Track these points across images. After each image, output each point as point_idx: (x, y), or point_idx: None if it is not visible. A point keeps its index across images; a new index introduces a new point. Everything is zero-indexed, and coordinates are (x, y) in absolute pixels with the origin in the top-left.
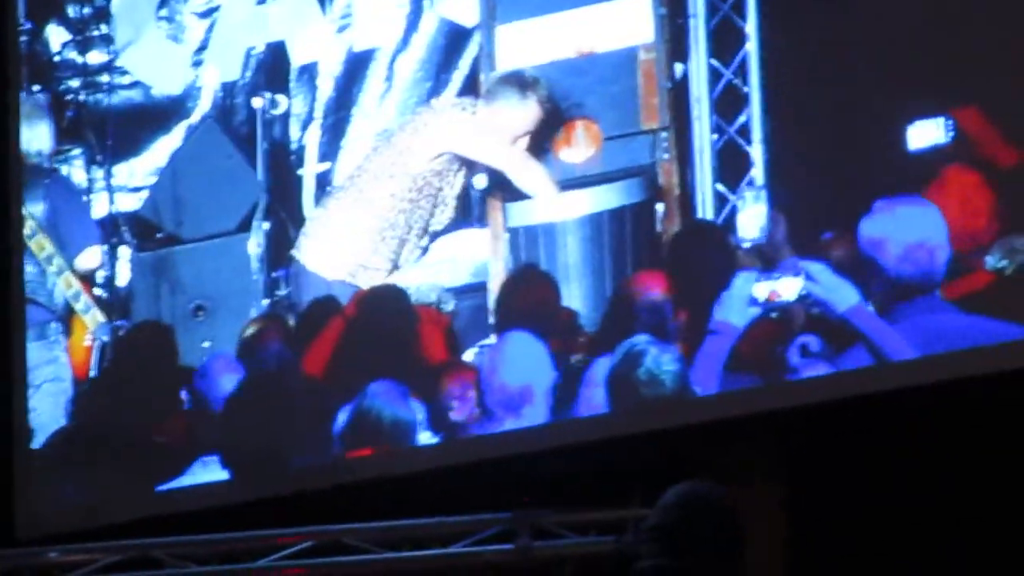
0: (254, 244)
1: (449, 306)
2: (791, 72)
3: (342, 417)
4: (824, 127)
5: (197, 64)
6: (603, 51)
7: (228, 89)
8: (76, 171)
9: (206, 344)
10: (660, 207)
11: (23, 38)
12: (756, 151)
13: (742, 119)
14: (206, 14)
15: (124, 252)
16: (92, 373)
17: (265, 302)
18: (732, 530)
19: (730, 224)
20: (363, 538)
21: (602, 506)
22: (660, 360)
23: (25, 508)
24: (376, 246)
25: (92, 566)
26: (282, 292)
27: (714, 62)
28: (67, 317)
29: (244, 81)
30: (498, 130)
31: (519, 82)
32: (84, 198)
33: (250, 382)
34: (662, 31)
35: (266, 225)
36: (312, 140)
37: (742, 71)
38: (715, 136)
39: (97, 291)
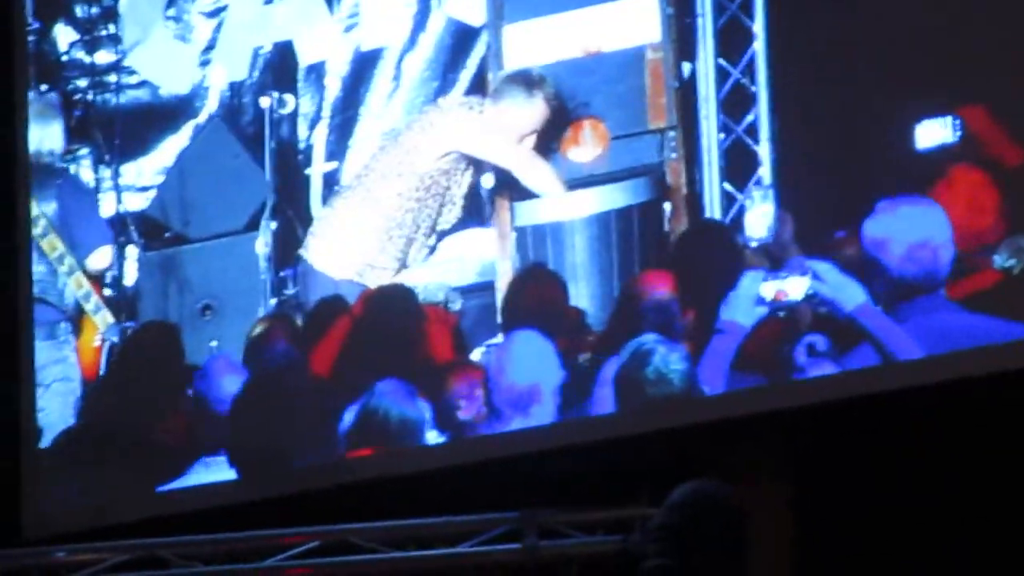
0: (261, 243)
1: (456, 305)
2: (799, 71)
3: (349, 416)
4: (831, 126)
5: (204, 64)
6: (610, 50)
7: (235, 88)
8: (84, 171)
9: (213, 343)
10: (667, 206)
11: (31, 38)
12: (764, 150)
13: (750, 118)
14: (213, 14)
15: (131, 251)
16: (101, 373)
17: (273, 301)
18: (739, 530)
19: (737, 223)
20: (369, 538)
21: (609, 505)
22: (668, 359)
23: (32, 508)
24: (383, 245)
25: (99, 566)
26: (290, 291)
27: (722, 61)
28: (77, 317)
29: (251, 80)
30: (505, 129)
31: (526, 81)
32: (95, 198)
33: (257, 381)
34: (669, 30)
35: (273, 224)
36: (320, 139)
37: (750, 70)
38: (723, 135)
39: (107, 291)
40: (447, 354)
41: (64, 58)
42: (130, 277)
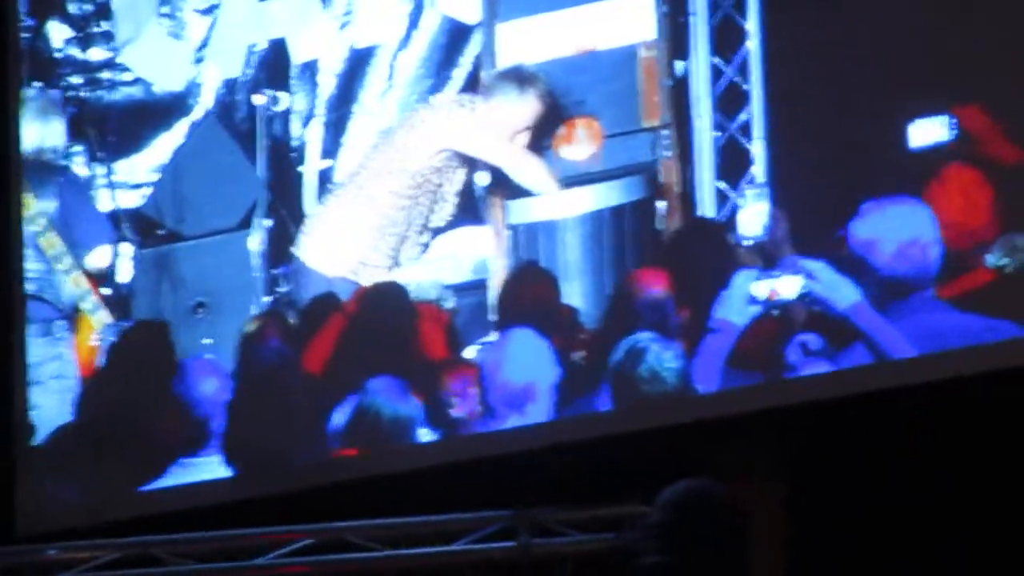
0: (255, 241)
1: (450, 303)
2: (792, 70)
3: (342, 414)
4: (825, 125)
5: (198, 61)
6: (604, 49)
7: (229, 86)
8: (78, 168)
9: (207, 341)
10: (661, 205)
11: (25, 35)
12: (757, 149)
13: (743, 117)
14: (207, 11)
15: (126, 249)
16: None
17: (266, 299)
18: (732, 528)
19: (731, 222)
20: (364, 535)
21: (603, 503)
22: (662, 357)
23: (25, 505)
24: (376, 243)
25: (92, 563)
26: (283, 289)
27: (715, 60)
28: (74, 316)
29: (245, 78)
30: (497, 126)
31: (518, 77)
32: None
33: (249, 379)
34: (663, 29)
35: (267, 222)
36: (313, 137)
37: (743, 69)
38: (716, 134)
39: (105, 290)
40: (440, 352)
41: (58, 55)
42: (124, 274)
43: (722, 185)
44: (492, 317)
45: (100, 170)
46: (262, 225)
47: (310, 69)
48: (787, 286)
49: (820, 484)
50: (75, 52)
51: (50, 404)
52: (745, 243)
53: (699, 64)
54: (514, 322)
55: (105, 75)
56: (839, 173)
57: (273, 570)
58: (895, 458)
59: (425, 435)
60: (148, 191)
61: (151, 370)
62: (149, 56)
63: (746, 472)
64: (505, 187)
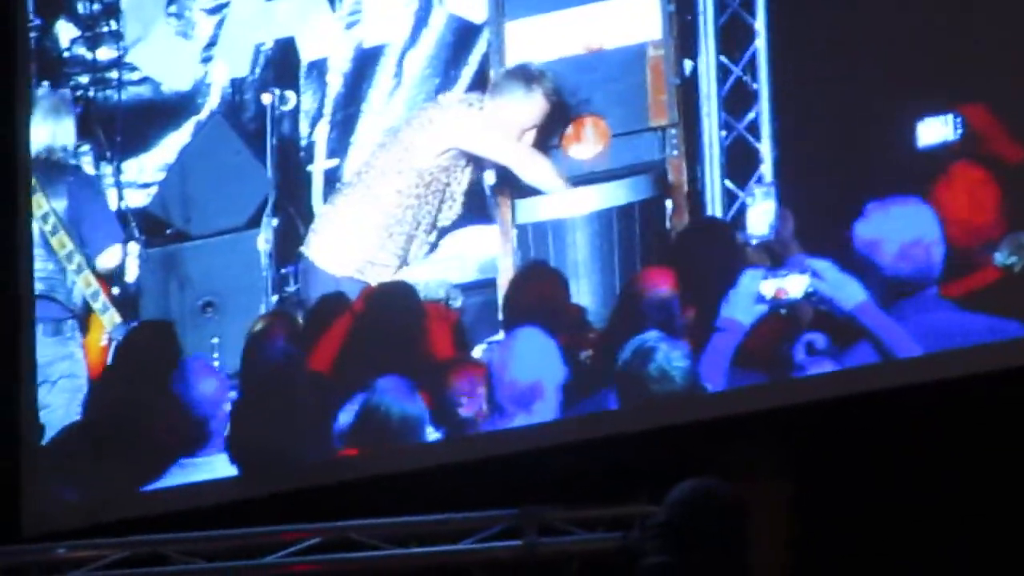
0: (263, 240)
1: (457, 302)
2: (800, 69)
3: (350, 413)
4: (833, 124)
5: (206, 60)
6: (612, 48)
7: (237, 85)
8: (86, 167)
9: (215, 340)
10: (669, 204)
11: (33, 34)
12: (765, 148)
13: (751, 116)
14: (215, 10)
15: (133, 248)
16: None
17: (274, 298)
18: (738, 527)
19: (739, 221)
20: (371, 534)
21: (609, 503)
22: (671, 356)
23: (32, 504)
24: (383, 242)
25: (100, 562)
26: (291, 288)
27: (723, 59)
28: (84, 316)
29: (253, 77)
30: (504, 124)
31: (525, 75)
32: (106, 196)
33: (256, 379)
34: (671, 28)
35: (275, 221)
36: (321, 136)
37: (751, 68)
38: (724, 133)
39: (115, 290)
40: (448, 351)
41: (66, 55)
42: (131, 274)
43: (730, 184)
44: (500, 316)
45: (107, 169)
46: (270, 224)
47: (318, 68)
48: (793, 285)
49: (826, 483)
50: (83, 51)
51: (60, 404)
52: (753, 242)
53: (707, 63)
54: (522, 321)
55: (113, 74)
56: (846, 172)
57: (280, 569)
58: (901, 457)
59: (433, 434)
60: (156, 190)
61: (155, 370)
62: (157, 55)
63: (751, 471)
64: (513, 186)
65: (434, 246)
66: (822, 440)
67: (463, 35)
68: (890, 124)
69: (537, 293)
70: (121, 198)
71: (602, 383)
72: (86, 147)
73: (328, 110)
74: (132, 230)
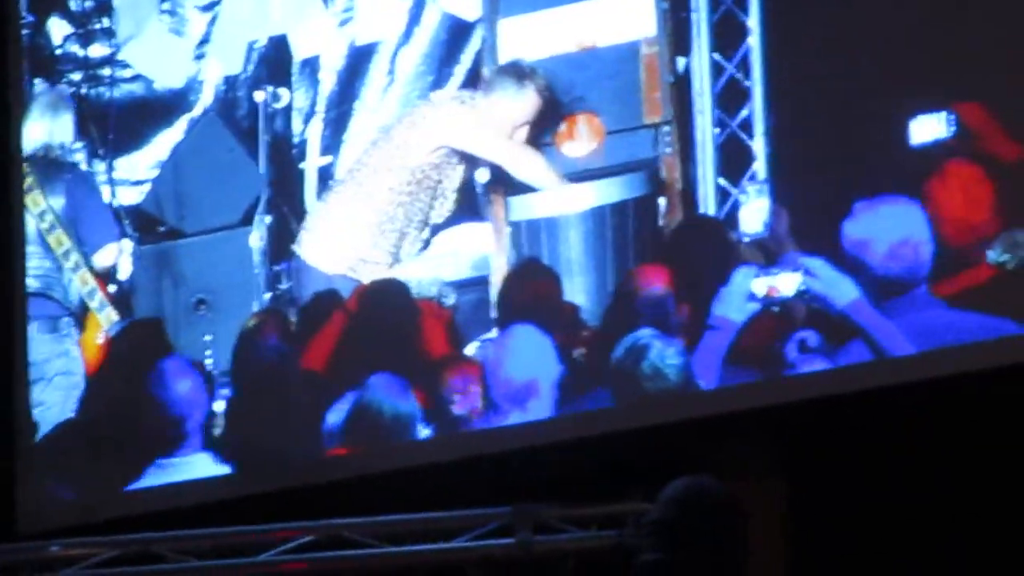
0: (256, 238)
1: (450, 300)
2: (793, 66)
3: (342, 411)
4: (826, 121)
5: (199, 58)
6: (605, 45)
7: (230, 83)
8: (83, 165)
9: (208, 338)
10: (662, 201)
11: (25, 31)
12: (758, 145)
13: (744, 113)
14: (208, 7)
15: (126, 246)
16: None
17: (267, 296)
18: (731, 525)
19: (732, 218)
20: (364, 532)
21: (604, 501)
22: (664, 354)
23: (26, 504)
24: (375, 240)
25: (92, 560)
26: (284, 286)
27: (716, 56)
28: (81, 314)
29: (246, 75)
30: (496, 122)
31: (516, 72)
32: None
33: (248, 377)
34: (664, 25)
35: (268, 219)
36: (314, 134)
37: (744, 65)
38: (717, 130)
39: (111, 288)
40: (441, 349)
41: (58, 52)
42: (125, 272)
43: (723, 182)
44: (493, 314)
45: (100, 167)
46: (263, 222)
47: (311, 66)
48: (786, 283)
49: (819, 481)
50: (75, 49)
51: (55, 401)
52: (746, 240)
53: (700, 60)
54: (515, 319)
55: (106, 72)
56: (840, 169)
57: (273, 567)
58: (894, 455)
59: (425, 432)
60: (148, 188)
61: (144, 369)
62: (150, 53)
63: (745, 469)
64: (506, 183)
65: (427, 243)
66: (815, 438)
67: (456, 32)
68: (884, 122)
69: (531, 291)
70: (114, 195)
71: (596, 381)
72: (79, 144)
73: (321, 108)
74: (125, 227)
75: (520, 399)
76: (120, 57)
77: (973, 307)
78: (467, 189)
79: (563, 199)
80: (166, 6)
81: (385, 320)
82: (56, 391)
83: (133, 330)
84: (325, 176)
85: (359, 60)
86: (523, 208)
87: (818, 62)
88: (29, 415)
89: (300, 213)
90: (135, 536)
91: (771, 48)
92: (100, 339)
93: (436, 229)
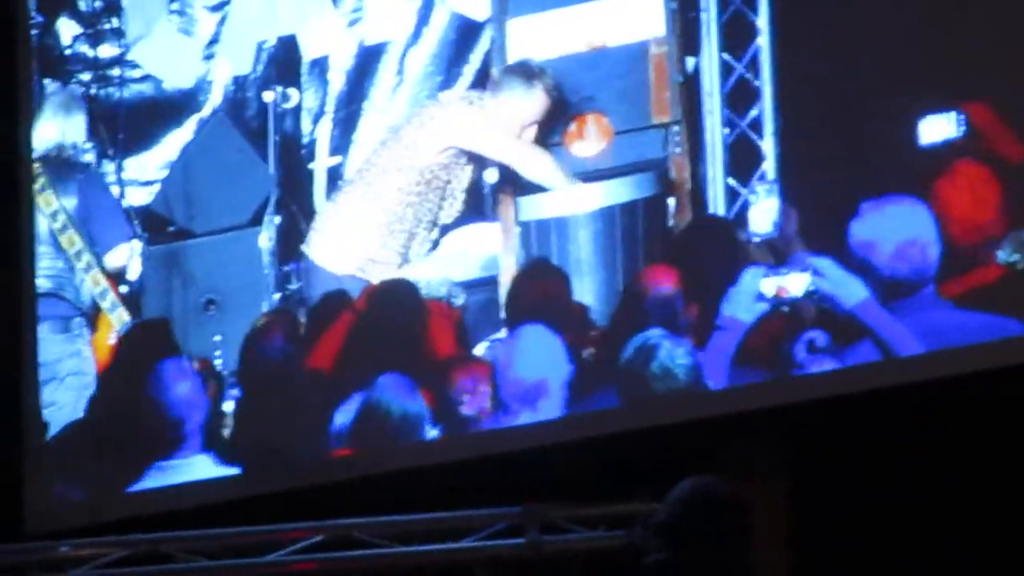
0: (265, 238)
1: (459, 300)
2: (803, 66)
3: (350, 411)
4: (836, 121)
5: (208, 58)
6: (614, 45)
7: (239, 83)
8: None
9: (217, 338)
10: (671, 201)
11: (34, 32)
12: (768, 145)
13: (754, 113)
14: (217, 8)
15: (136, 246)
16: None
17: (276, 296)
18: (737, 525)
19: (741, 218)
20: (373, 532)
21: (612, 501)
22: (674, 354)
23: (34, 504)
24: (384, 240)
25: (101, 560)
26: (293, 286)
27: (726, 56)
28: (93, 314)
29: (255, 75)
30: (504, 121)
31: (525, 72)
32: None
33: (254, 378)
34: (673, 25)
35: (277, 219)
36: (323, 134)
37: (754, 65)
38: (727, 130)
39: (123, 288)
40: (450, 349)
41: (67, 52)
42: (134, 272)
43: (733, 182)
44: (502, 314)
45: (110, 167)
46: (272, 222)
47: (320, 66)
48: (794, 283)
49: (825, 481)
50: (85, 49)
51: (67, 401)
52: (755, 240)
53: (710, 60)
54: (524, 319)
55: (115, 72)
56: (849, 169)
57: (283, 567)
58: (901, 456)
59: (434, 433)
60: (158, 188)
61: (145, 370)
62: (159, 53)
63: (752, 469)
64: (515, 184)
65: (435, 244)
66: (822, 438)
67: (465, 33)
68: (893, 121)
69: (540, 291)
70: (123, 196)
71: (605, 381)
72: (91, 144)
73: (330, 108)
74: (135, 228)
75: (530, 399)
76: (129, 57)
77: (982, 307)
78: (476, 189)
79: (572, 199)
80: (175, 6)
81: (394, 320)
82: (68, 391)
83: (137, 331)
84: (334, 176)
85: (368, 60)
86: (532, 208)
87: (828, 62)
88: (38, 415)
89: (309, 213)
90: (144, 536)
91: (781, 48)
92: (112, 339)
93: (445, 229)
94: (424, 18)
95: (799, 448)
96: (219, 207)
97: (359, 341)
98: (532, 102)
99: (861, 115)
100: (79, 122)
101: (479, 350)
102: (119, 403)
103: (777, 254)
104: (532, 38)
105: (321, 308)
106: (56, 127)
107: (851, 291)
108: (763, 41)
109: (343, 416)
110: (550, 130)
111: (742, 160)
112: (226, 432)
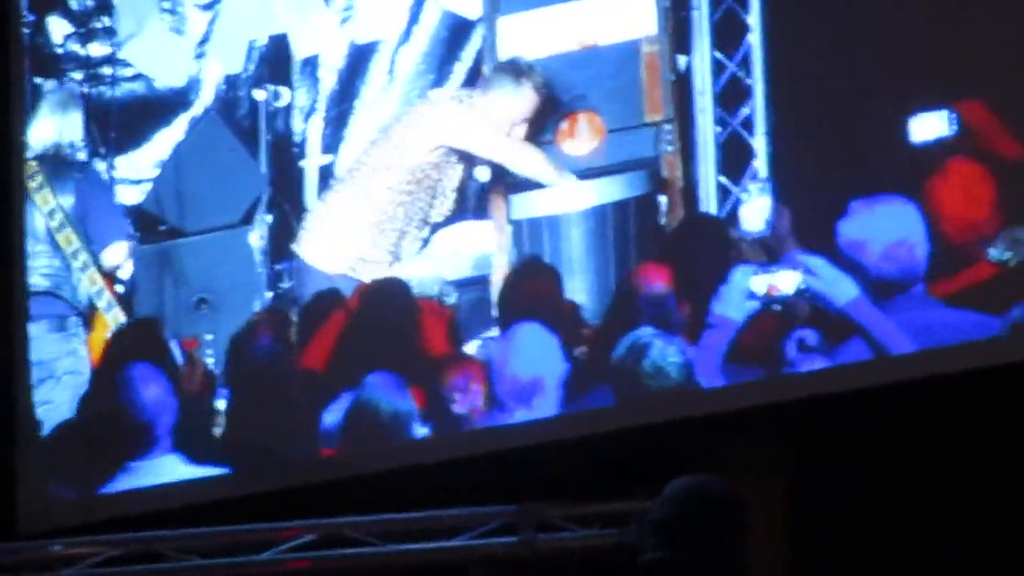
0: (257, 237)
1: (451, 299)
2: (794, 64)
3: (340, 410)
4: (828, 119)
5: (199, 56)
6: (606, 44)
7: (231, 82)
8: None
9: (209, 337)
10: (663, 200)
11: (26, 30)
12: (759, 144)
13: (745, 112)
14: (208, 6)
15: (128, 245)
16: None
17: (268, 295)
18: (732, 523)
19: (733, 217)
20: (366, 531)
21: (607, 499)
22: (666, 352)
23: (28, 504)
24: (375, 239)
25: (95, 559)
26: (285, 285)
27: (717, 54)
28: (89, 313)
29: (247, 74)
30: (494, 119)
31: (513, 70)
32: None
33: (243, 378)
34: (665, 23)
35: (269, 218)
36: (315, 133)
37: (745, 64)
38: (718, 129)
39: (119, 288)
40: (442, 347)
41: (59, 51)
42: (126, 271)
43: (724, 180)
44: (494, 312)
45: (101, 166)
46: (264, 221)
47: (311, 65)
48: (785, 282)
49: (819, 479)
50: (76, 48)
51: (63, 400)
52: (747, 238)
53: (701, 59)
54: (516, 317)
55: (106, 71)
56: (841, 168)
57: (276, 565)
58: (894, 453)
59: (424, 431)
60: (149, 187)
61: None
62: (150, 51)
63: (745, 468)
64: (506, 182)
65: (426, 242)
66: (815, 436)
67: (457, 31)
68: (886, 120)
69: (532, 289)
70: (114, 195)
71: (600, 379)
72: (81, 143)
73: (322, 106)
74: (126, 226)
75: (526, 397)
76: (121, 56)
77: (974, 305)
78: (466, 188)
79: (564, 197)
80: (166, 5)
81: (386, 319)
82: (64, 390)
83: (124, 331)
84: (326, 175)
85: (359, 59)
86: (524, 206)
87: (820, 60)
88: (32, 414)
89: (301, 212)
90: (137, 535)
91: (772, 46)
92: (107, 338)
93: (436, 228)
94: (415, 16)
95: (795, 446)
96: (211, 206)
97: (351, 340)
98: (521, 100)
99: (854, 113)
100: (76, 120)
101: (471, 348)
102: (102, 403)
103: (769, 252)
104: (524, 36)
105: (313, 307)
106: (53, 126)
107: (842, 289)
108: (755, 39)
109: (332, 415)
110: (541, 128)
111: (734, 158)
112: (217, 431)
